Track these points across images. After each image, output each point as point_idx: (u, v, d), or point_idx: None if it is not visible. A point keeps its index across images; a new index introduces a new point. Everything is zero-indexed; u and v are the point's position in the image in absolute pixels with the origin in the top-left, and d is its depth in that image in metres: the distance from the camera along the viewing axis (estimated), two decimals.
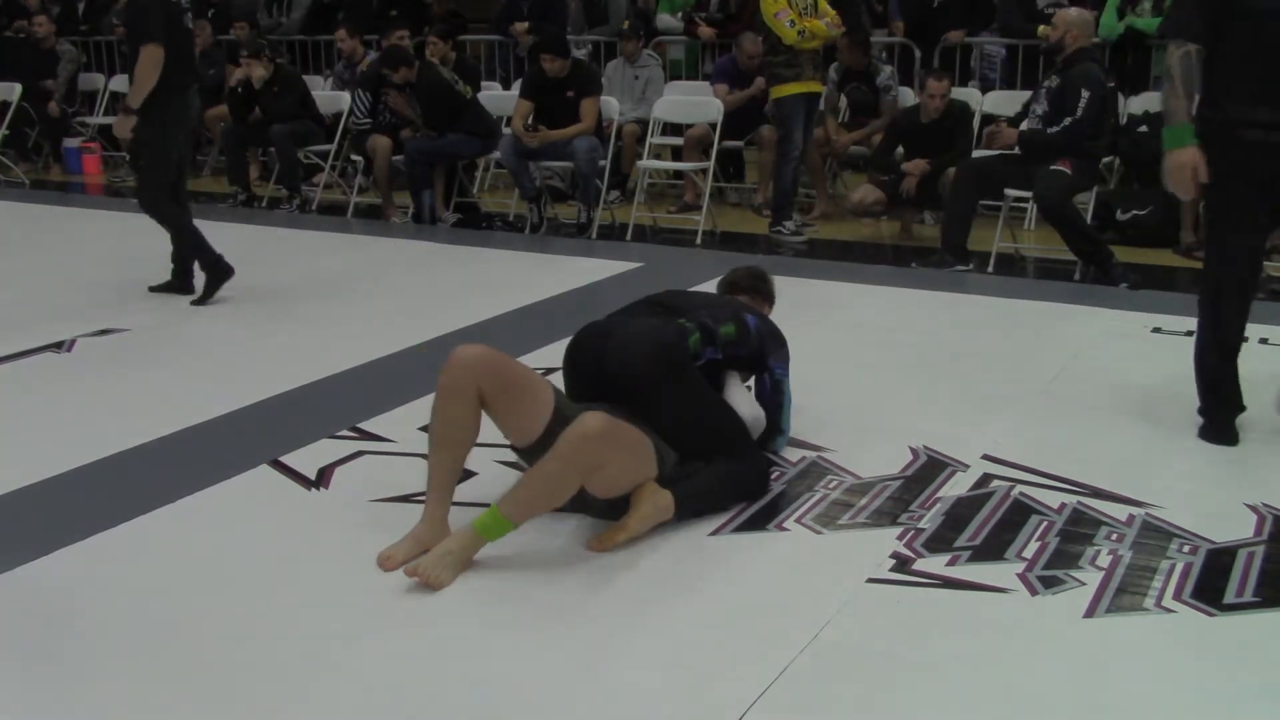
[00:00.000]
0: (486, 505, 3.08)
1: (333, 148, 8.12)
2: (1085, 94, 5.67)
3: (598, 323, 3.26)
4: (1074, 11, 6.07)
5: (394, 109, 7.47)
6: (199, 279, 5.41)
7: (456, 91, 7.42)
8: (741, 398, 3.29)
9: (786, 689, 2.27)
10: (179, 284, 5.43)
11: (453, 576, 2.68)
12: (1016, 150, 5.94)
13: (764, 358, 3.31)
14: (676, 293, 3.51)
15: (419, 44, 8.41)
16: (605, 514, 2.93)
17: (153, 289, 5.45)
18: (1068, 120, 5.68)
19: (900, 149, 6.75)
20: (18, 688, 2.31)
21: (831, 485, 3.22)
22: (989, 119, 7.39)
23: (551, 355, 3.86)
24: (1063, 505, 3.07)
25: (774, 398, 3.36)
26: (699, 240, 6.93)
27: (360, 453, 3.49)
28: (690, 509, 2.98)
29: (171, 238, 5.34)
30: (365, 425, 3.71)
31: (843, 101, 7.66)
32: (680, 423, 3.03)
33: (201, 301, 5.30)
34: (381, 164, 7.57)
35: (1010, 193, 6.07)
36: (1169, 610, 2.56)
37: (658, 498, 2.91)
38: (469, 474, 3.26)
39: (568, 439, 2.70)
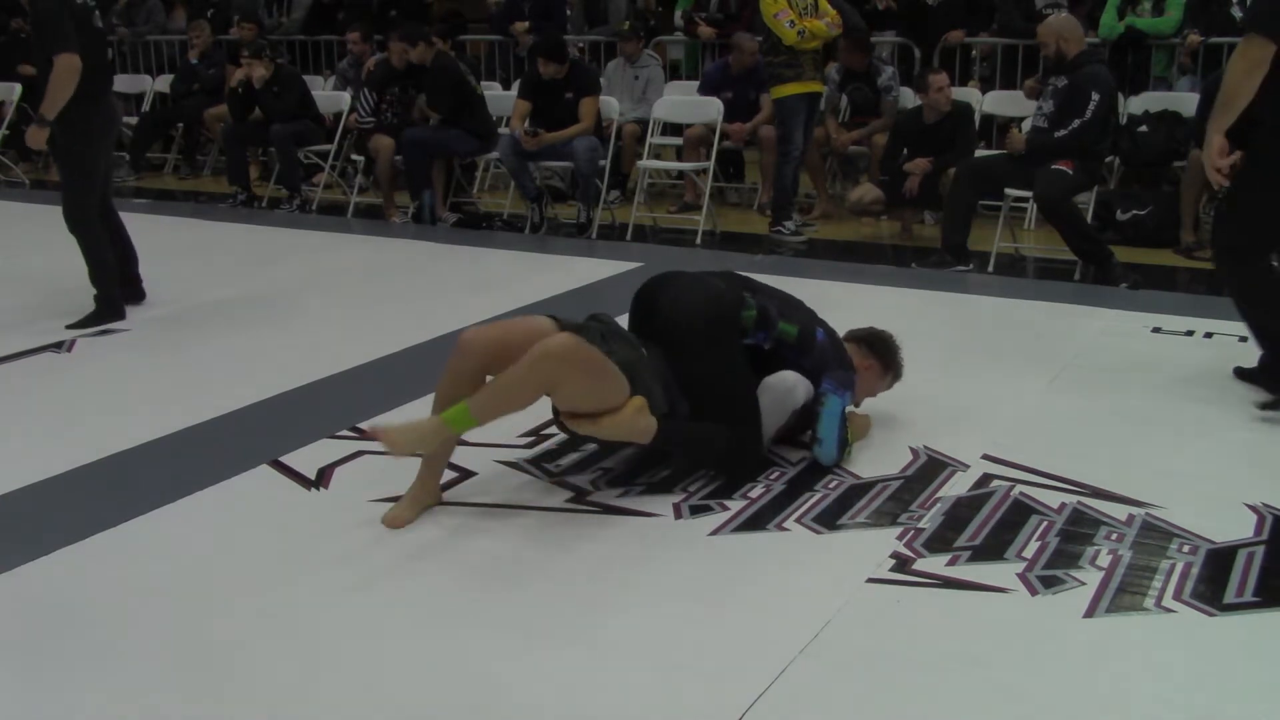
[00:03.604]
0: (486, 505, 3.11)
1: (333, 148, 8.12)
2: (1095, 96, 5.65)
3: (672, 272, 3.33)
4: (1054, 19, 6.00)
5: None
6: (148, 284, 5.29)
7: (468, 85, 7.45)
8: (797, 374, 3.30)
9: (786, 689, 2.27)
10: (127, 292, 5.23)
11: (409, 449, 2.85)
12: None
13: (821, 371, 3.30)
14: (764, 284, 3.46)
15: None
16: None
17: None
18: (1076, 123, 5.66)
19: (904, 150, 6.75)
20: (18, 688, 2.31)
21: (831, 485, 3.22)
22: (989, 119, 7.42)
23: None
24: (1063, 505, 3.07)
25: (814, 405, 3.31)
26: (699, 240, 6.93)
27: (360, 453, 3.49)
28: (668, 445, 3.11)
29: (89, 260, 4.97)
30: (365, 425, 3.70)
31: (844, 101, 7.66)
32: (700, 380, 3.11)
33: (78, 326, 4.89)
34: (384, 164, 7.58)
35: (1010, 193, 6.06)
36: (1169, 610, 2.56)
37: (640, 416, 3.00)
38: (468, 474, 3.26)
39: (531, 352, 2.84)
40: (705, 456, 3.20)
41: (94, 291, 4.99)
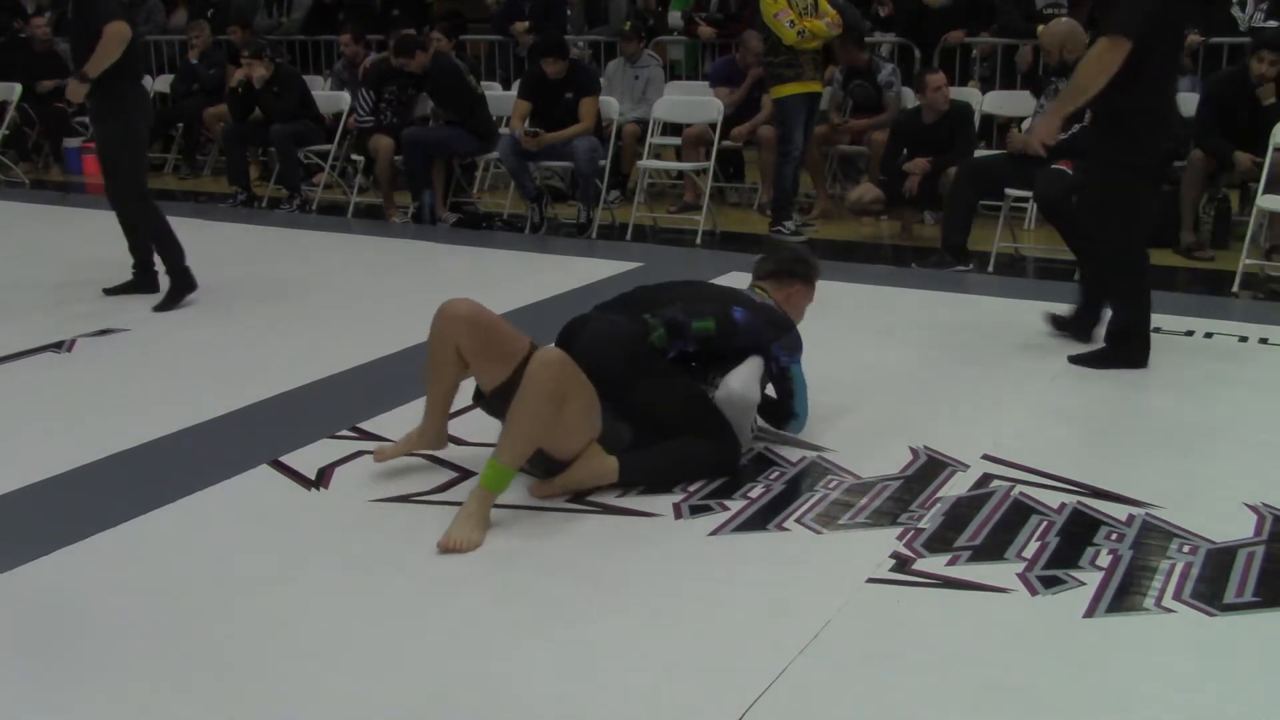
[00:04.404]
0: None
1: (333, 148, 8.12)
2: None
3: (579, 317, 3.34)
4: (1058, 27, 5.97)
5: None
6: (163, 278, 5.37)
7: (468, 83, 7.45)
8: (742, 374, 3.29)
9: (786, 689, 2.27)
10: (141, 282, 5.37)
11: (482, 535, 2.85)
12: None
13: (765, 346, 3.33)
14: (660, 286, 3.48)
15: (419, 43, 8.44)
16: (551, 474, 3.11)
17: (109, 291, 5.35)
18: (1076, 126, 5.66)
19: (904, 150, 6.74)
20: (18, 688, 2.31)
21: (831, 485, 3.22)
22: (989, 119, 7.42)
23: None
24: (1063, 505, 3.07)
25: (781, 384, 3.39)
26: (699, 240, 6.93)
27: (360, 453, 3.49)
28: (636, 479, 3.12)
29: (131, 236, 5.21)
30: (365, 425, 3.71)
31: (846, 100, 7.67)
32: (646, 415, 3.15)
33: (164, 308, 5.13)
34: (384, 164, 7.58)
35: (1010, 193, 6.06)
36: (1169, 610, 2.56)
37: (599, 461, 3.07)
38: (468, 473, 3.26)
39: (531, 370, 2.88)
40: (691, 471, 3.20)
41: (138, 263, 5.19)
